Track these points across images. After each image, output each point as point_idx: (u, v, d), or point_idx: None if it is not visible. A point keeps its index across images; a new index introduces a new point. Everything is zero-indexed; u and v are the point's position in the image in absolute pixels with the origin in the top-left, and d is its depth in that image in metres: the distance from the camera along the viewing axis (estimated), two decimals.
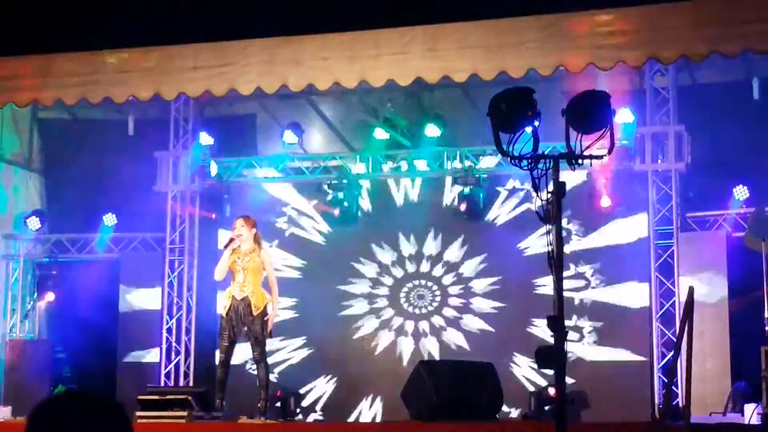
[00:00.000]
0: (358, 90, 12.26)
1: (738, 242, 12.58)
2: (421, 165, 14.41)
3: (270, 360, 13.29)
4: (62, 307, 15.13)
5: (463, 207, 13.83)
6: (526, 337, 13.32)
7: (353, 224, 14.39)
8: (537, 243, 13.48)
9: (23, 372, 13.03)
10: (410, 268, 14.37)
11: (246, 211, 13.74)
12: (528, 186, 12.36)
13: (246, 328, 10.57)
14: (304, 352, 14.40)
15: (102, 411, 2.77)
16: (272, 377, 13.74)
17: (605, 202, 13.27)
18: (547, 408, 12.49)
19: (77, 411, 2.74)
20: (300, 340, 14.42)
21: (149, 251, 15.02)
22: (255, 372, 10.81)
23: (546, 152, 6.57)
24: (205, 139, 14.42)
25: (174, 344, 14.41)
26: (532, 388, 13.30)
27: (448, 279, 14.20)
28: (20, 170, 15.46)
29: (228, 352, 10.70)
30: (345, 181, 14.24)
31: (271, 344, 13.99)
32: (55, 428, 2.72)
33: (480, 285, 14.02)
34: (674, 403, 11.16)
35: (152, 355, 14.48)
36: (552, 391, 11.81)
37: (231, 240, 10.72)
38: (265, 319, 10.62)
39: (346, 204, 14.24)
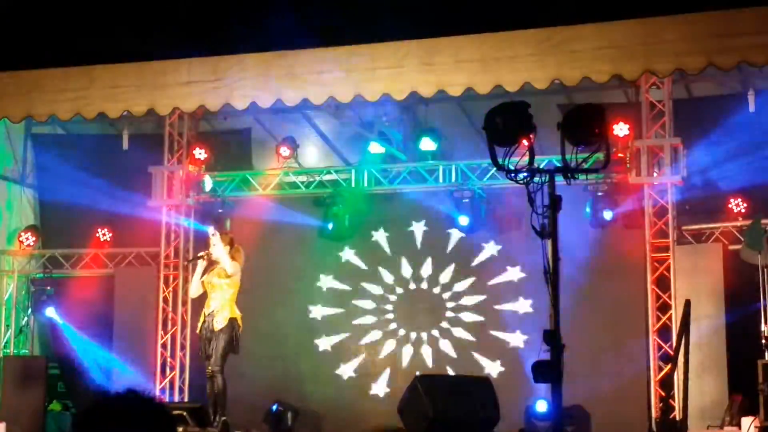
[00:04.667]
0: (353, 104, 12.23)
1: (734, 255, 12.55)
2: (417, 179, 14.33)
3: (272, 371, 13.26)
4: (57, 322, 15.04)
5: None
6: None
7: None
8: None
9: (18, 388, 12.95)
10: (405, 280, 14.29)
11: (241, 226, 13.74)
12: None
13: (211, 342, 10.65)
14: (301, 362, 14.31)
15: (148, 415, 2.77)
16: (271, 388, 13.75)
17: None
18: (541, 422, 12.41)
19: (124, 414, 2.74)
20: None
21: (144, 266, 14.96)
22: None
23: (541, 166, 6.55)
24: (200, 153, 14.38)
25: (169, 359, 14.35)
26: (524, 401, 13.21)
27: (444, 295, 14.08)
28: (14, 185, 15.40)
29: None
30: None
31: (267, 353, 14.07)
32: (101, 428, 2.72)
33: (472, 300, 13.92)
34: (671, 416, 11.13)
35: (147, 371, 14.39)
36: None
37: (200, 256, 10.83)
38: (233, 334, 10.67)
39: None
